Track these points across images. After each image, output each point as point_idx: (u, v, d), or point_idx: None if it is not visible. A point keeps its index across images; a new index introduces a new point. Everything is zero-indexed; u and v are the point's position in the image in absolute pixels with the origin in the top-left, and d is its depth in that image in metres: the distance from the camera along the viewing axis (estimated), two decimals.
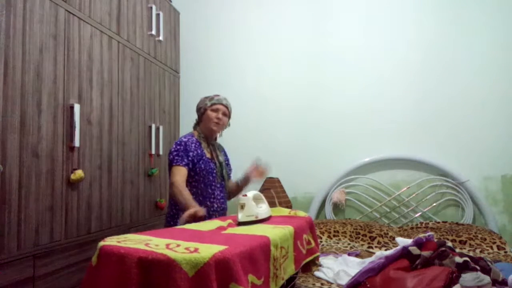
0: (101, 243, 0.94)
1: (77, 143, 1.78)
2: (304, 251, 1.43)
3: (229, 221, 1.40)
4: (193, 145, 1.89)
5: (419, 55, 2.82)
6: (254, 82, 3.11)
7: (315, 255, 1.54)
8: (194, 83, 3.24)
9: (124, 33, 2.24)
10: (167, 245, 0.93)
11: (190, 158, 1.84)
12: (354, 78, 2.93)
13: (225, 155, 2.14)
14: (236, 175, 2.13)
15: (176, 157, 1.83)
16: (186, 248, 0.90)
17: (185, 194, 1.71)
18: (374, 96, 2.89)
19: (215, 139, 2.06)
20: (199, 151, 1.90)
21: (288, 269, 1.26)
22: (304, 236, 1.46)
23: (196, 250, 0.88)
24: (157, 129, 2.59)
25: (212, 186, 1.92)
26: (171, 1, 2.90)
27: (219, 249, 0.89)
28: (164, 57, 2.76)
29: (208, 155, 1.95)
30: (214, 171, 1.93)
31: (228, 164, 2.11)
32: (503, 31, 2.69)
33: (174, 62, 2.93)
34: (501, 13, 2.70)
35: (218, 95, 2.00)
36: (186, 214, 1.53)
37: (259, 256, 1.03)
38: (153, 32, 2.54)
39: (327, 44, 3.00)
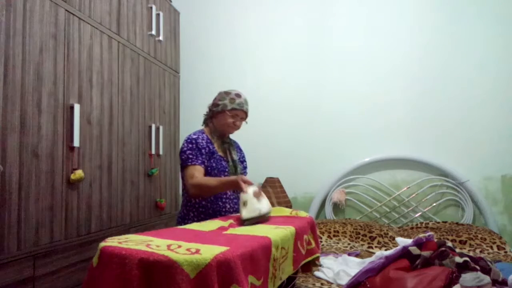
0: (102, 244, 0.93)
1: (77, 143, 1.78)
2: (303, 252, 1.43)
3: (230, 221, 1.39)
4: (203, 142, 1.82)
5: (418, 55, 2.82)
6: (254, 82, 3.11)
7: (315, 255, 1.54)
8: (194, 83, 3.24)
9: (124, 33, 2.24)
10: (168, 246, 0.92)
11: (204, 156, 1.78)
12: (354, 78, 2.93)
13: (240, 151, 2.04)
14: None
15: (190, 156, 1.75)
16: (188, 249, 0.89)
17: (215, 182, 1.66)
18: (374, 96, 2.89)
19: (228, 137, 1.97)
20: (211, 148, 1.83)
21: (287, 269, 1.26)
22: (305, 236, 1.46)
23: (197, 251, 0.88)
24: (157, 129, 2.59)
25: None
26: (171, 1, 2.90)
27: (220, 250, 0.89)
28: (164, 57, 2.76)
29: (221, 153, 1.87)
30: (227, 170, 1.84)
31: (243, 161, 2.01)
32: (502, 31, 2.69)
33: (174, 62, 2.93)
34: (500, 13, 2.70)
35: (239, 96, 1.87)
36: (241, 185, 1.53)
37: (260, 257, 1.03)
38: (153, 32, 2.54)
39: (327, 44, 3.00)
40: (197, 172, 1.72)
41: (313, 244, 1.54)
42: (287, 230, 1.28)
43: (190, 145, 1.78)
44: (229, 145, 1.92)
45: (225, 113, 1.84)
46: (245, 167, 2.02)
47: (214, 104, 1.89)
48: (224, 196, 1.82)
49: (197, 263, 0.84)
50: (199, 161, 1.75)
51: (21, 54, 1.52)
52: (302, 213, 1.65)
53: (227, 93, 1.88)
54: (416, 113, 2.81)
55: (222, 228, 1.27)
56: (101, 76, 2.02)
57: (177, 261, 0.83)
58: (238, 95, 1.87)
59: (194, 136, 1.82)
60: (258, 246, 1.03)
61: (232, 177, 1.64)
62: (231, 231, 1.23)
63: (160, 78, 2.69)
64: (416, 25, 2.84)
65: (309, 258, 1.50)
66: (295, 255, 1.33)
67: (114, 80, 2.13)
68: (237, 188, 1.61)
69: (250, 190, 1.49)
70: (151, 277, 0.85)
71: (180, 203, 2.94)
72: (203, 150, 1.78)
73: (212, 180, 1.69)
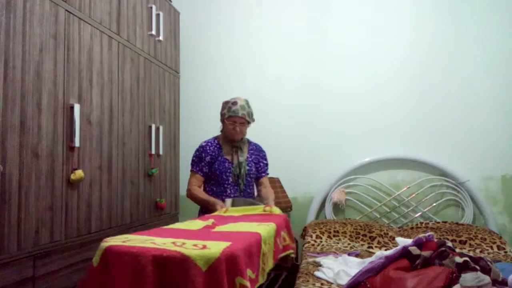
0: (105, 244, 0.94)
1: (77, 143, 1.78)
2: (280, 247, 1.54)
3: (212, 220, 1.44)
4: (211, 147, 2.09)
5: (419, 54, 2.82)
6: (254, 82, 3.11)
7: (289, 251, 1.66)
8: (194, 83, 3.24)
9: (124, 33, 2.24)
10: (174, 243, 0.94)
11: (205, 163, 2.08)
12: (354, 78, 2.93)
13: (259, 153, 2.25)
14: None
15: (193, 163, 2.11)
16: (194, 245, 0.93)
17: (200, 196, 2.03)
18: (374, 96, 2.89)
19: (241, 139, 2.14)
20: (216, 152, 2.10)
21: (269, 262, 1.34)
22: (282, 233, 1.58)
23: (204, 246, 0.91)
24: (157, 129, 2.59)
25: (225, 184, 2.09)
26: (171, 1, 2.90)
27: (226, 245, 0.93)
28: (164, 57, 2.76)
29: (227, 156, 2.11)
30: (229, 170, 2.07)
31: (257, 162, 2.23)
32: (502, 31, 2.69)
33: (174, 62, 2.93)
34: (500, 13, 2.71)
35: (235, 103, 2.02)
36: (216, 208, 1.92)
37: (254, 251, 1.08)
38: (153, 32, 2.54)
39: (327, 44, 3.00)
40: (195, 180, 2.09)
41: (288, 241, 1.66)
42: (269, 227, 1.38)
43: (197, 153, 2.11)
44: (238, 149, 2.13)
45: (225, 122, 2.06)
46: (265, 165, 2.28)
47: (220, 114, 2.11)
48: (226, 182, 2.08)
49: (208, 257, 0.88)
50: (198, 169, 2.09)
51: (21, 54, 1.52)
52: (276, 210, 1.76)
53: (226, 102, 2.08)
54: (416, 113, 2.81)
55: (208, 227, 1.32)
56: (101, 76, 2.02)
57: (190, 256, 0.87)
58: (235, 103, 2.03)
59: (204, 144, 2.11)
60: (253, 242, 1.07)
61: (209, 203, 2.00)
62: (218, 229, 1.28)
63: (160, 78, 2.69)
64: (416, 25, 2.84)
65: (284, 254, 1.59)
66: (275, 250, 1.43)
67: (114, 80, 2.13)
68: (212, 208, 1.96)
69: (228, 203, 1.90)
70: (165, 273, 0.87)
71: (180, 203, 2.96)
72: (207, 157, 2.08)
73: (196, 198, 2.07)
